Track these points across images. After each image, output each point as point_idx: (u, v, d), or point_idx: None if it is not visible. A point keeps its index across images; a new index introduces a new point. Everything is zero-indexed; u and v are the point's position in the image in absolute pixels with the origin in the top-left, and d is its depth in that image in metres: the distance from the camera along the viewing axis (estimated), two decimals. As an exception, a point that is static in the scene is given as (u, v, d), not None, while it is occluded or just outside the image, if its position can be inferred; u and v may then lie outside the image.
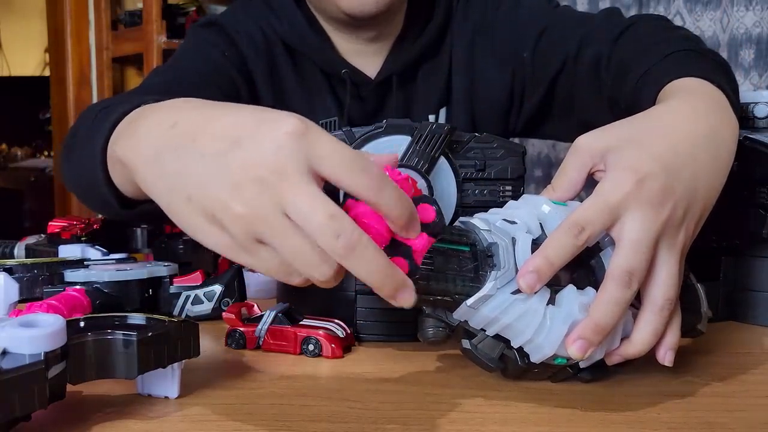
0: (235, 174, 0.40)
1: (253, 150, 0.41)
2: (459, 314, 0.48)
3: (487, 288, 0.47)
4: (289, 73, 0.96)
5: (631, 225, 0.48)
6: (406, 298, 0.41)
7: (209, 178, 0.42)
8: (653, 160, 0.50)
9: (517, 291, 0.47)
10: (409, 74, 0.97)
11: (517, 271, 0.47)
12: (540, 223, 0.50)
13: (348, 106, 0.94)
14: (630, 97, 0.70)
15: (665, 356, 0.51)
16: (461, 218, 0.53)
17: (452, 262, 0.48)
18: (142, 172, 0.47)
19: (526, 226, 0.49)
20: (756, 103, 0.71)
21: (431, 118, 0.97)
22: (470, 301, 0.47)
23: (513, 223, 0.49)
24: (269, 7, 0.96)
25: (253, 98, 0.96)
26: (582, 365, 0.50)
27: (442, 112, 0.98)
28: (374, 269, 0.40)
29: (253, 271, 0.83)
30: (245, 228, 0.40)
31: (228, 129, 0.43)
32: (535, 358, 0.48)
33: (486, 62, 0.97)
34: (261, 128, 0.41)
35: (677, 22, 1.57)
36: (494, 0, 0.98)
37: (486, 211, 0.53)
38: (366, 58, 0.96)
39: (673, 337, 0.51)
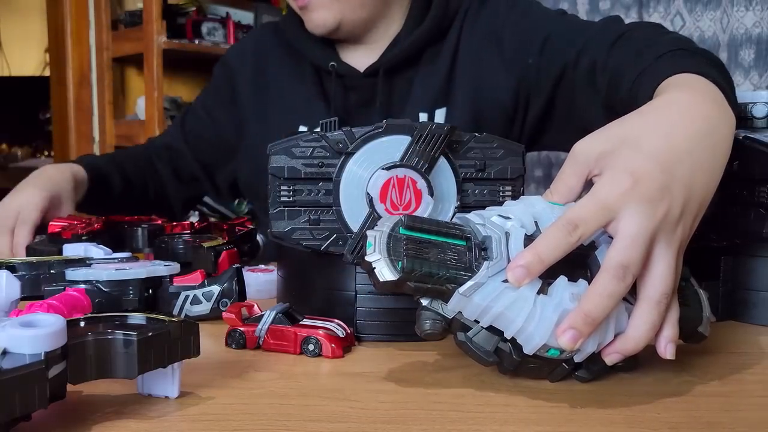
0: None
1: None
2: (453, 304, 0.49)
3: (478, 276, 0.48)
4: (277, 64, 1.05)
5: (627, 220, 0.48)
6: None
7: None
8: (649, 159, 0.50)
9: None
10: (400, 70, 0.98)
11: (509, 261, 0.48)
12: (535, 221, 0.50)
13: (333, 97, 0.97)
14: (627, 101, 0.71)
15: (666, 349, 0.50)
16: (458, 214, 0.54)
17: (448, 255, 0.49)
18: None
19: (520, 222, 0.50)
20: (755, 103, 0.71)
21: (423, 116, 0.97)
22: (462, 288, 0.48)
23: (507, 218, 0.50)
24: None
25: (234, 96, 1.12)
26: (576, 359, 0.50)
27: (440, 112, 0.98)
28: None
29: (253, 270, 0.83)
30: None
31: None
32: (528, 348, 0.48)
33: (493, 66, 0.98)
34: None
35: (677, 22, 1.57)
36: (506, 5, 0.99)
37: None
38: (360, 55, 0.98)
39: (671, 330, 0.50)
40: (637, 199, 0.48)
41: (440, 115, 0.98)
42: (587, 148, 0.53)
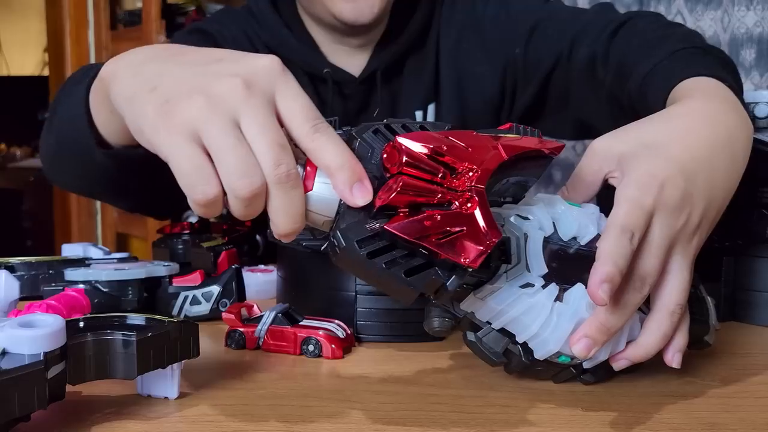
0: (210, 74, 0.43)
1: (232, 64, 0.44)
2: (466, 305, 0.48)
3: (496, 280, 0.47)
4: None
5: (650, 229, 0.48)
6: (290, 239, 0.45)
7: (184, 75, 0.44)
8: (673, 165, 0.50)
9: (526, 285, 0.47)
10: (394, 71, 0.96)
11: (527, 266, 0.47)
12: (553, 222, 0.50)
13: (330, 105, 0.93)
14: (636, 95, 0.70)
15: (673, 358, 0.50)
16: None
17: None
18: (119, 76, 0.49)
19: (539, 223, 0.49)
20: (756, 103, 0.71)
21: (418, 114, 0.96)
22: (479, 292, 0.47)
23: (526, 219, 0.49)
24: (251, 14, 0.96)
25: None
26: (586, 365, 0.50)
27: (431, 108, 0.97)
28: (292, 209, 0.42)
29: (252, 270, 0.83)
30: (194, 118, 0.42)
31: (216, 53, 0.47)
32: (540, 354, 0.48)
33: (475, 57, 0.96)
34: (246, 55, 0.46)
35: (678, 21, 1.57)
36: None
37: None
38: (351, 57, 0.95)
39: (681, 340, 0.50)
40: (662, 205, 0.48)
41: (431, 112, 0.97)
42: (607, 147, 0.53)
